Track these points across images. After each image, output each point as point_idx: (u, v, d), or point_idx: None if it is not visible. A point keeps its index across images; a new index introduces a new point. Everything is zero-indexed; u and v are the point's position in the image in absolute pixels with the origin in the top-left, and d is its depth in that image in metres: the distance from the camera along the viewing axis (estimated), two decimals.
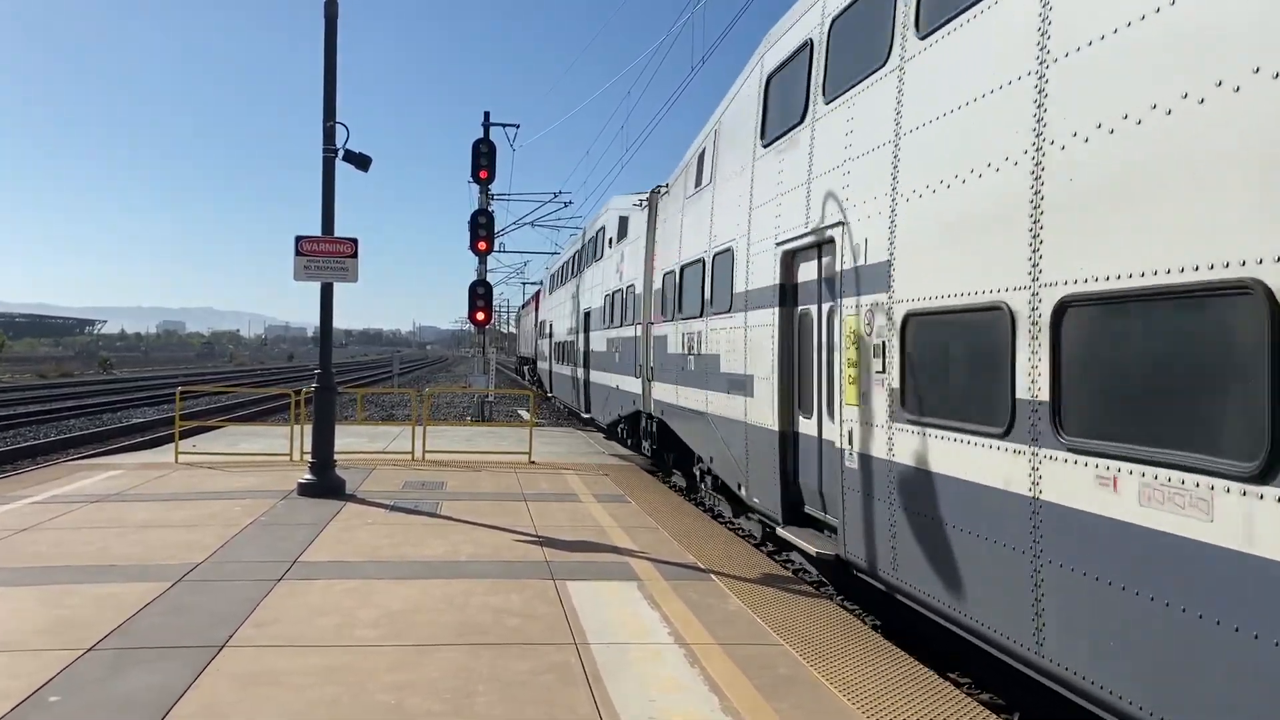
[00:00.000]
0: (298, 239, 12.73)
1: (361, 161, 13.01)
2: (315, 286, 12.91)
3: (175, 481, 13.43)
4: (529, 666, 6.01)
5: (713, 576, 8.54)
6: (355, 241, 12.85)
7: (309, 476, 12.58)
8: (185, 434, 16.88)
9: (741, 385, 11.34)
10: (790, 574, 9.30)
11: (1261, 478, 4.02)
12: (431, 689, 5.59)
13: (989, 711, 5.68)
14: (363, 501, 12.09)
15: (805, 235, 9.27)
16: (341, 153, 12.78)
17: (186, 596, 7.43)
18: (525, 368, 63.94)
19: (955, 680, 7.36)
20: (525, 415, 33.19)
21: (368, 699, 5.43)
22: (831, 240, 8.66)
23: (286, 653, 6.17)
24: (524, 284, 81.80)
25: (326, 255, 12.70)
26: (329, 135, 12.73)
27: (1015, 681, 6.61)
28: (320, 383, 12.96)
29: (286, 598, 7.47)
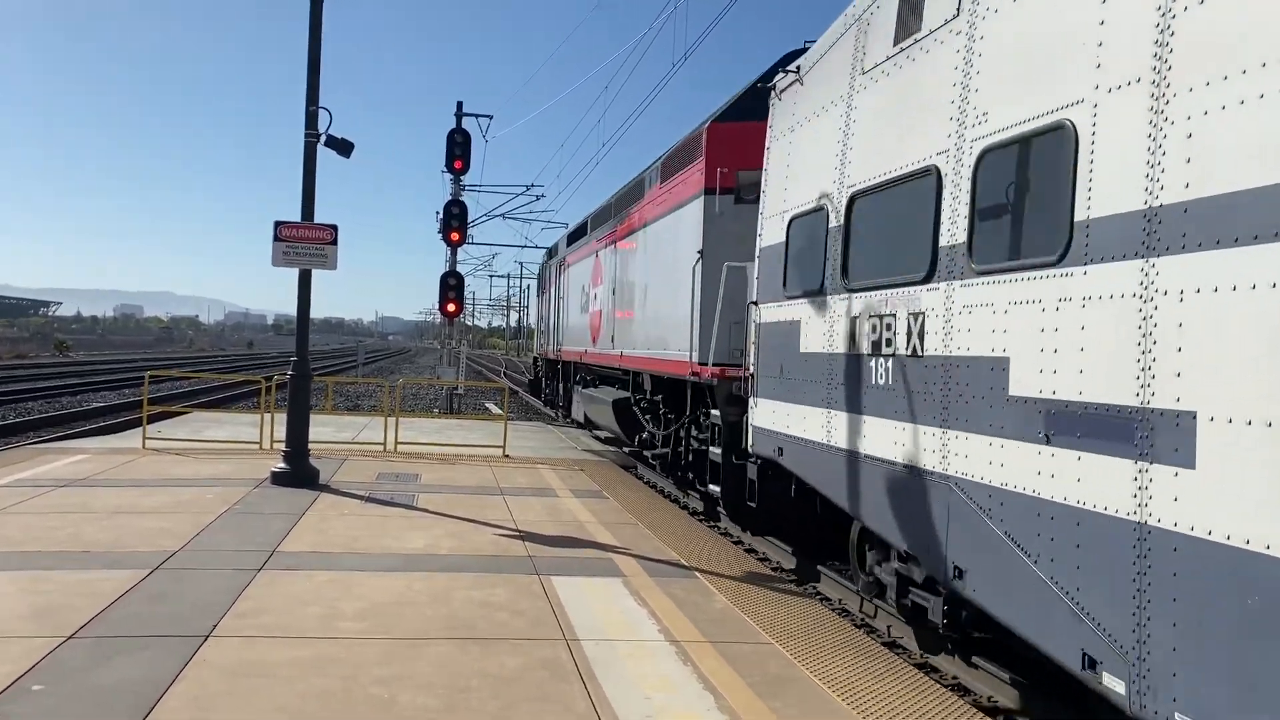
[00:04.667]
0: (277, 224, 12.54)
1: (343, 147, 12.84)
2: (277, 273, 12.77)
3: (144, 467, 13.18)
4: (520, 662, 5.96)
5: (696, 574, 8.54)
6: (335, 228, 12.66)
7: (283, 465, 12.40)
8: (150, 419, 16.55)
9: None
10: (771, 572, 9.33)
11: None
12: (423, 683, 5.53)
13: (975, 710, 5.74)
14: (337, 492, 11.94)
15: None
16: (324, 138, 12.60)
17: (166, 585, 7.28)
18: (556, 384, 29.50)
19: (940, 680, 7.42)
20: (492, 408, 32.99)
21: (359, 692, 5.36)
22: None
23: (273, 644, 6.07)
24: (491, 276, 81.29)
25: (306, 241, 12.53)
26: (311, 120, 12.53)
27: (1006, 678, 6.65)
28: (296, 369, 12.76)
29: (268, 587, 7.36)
